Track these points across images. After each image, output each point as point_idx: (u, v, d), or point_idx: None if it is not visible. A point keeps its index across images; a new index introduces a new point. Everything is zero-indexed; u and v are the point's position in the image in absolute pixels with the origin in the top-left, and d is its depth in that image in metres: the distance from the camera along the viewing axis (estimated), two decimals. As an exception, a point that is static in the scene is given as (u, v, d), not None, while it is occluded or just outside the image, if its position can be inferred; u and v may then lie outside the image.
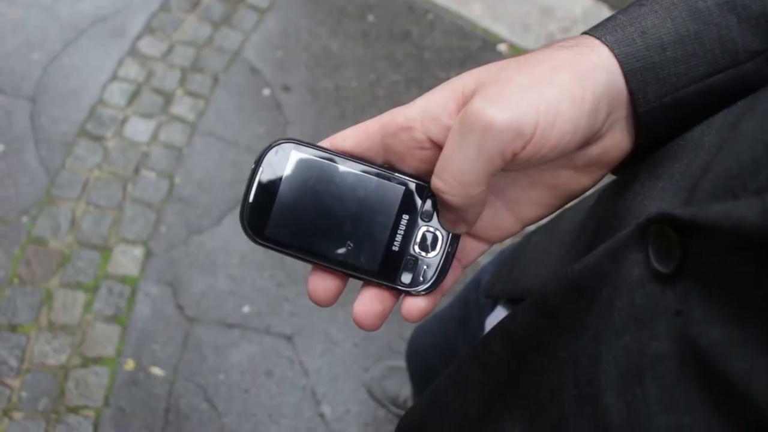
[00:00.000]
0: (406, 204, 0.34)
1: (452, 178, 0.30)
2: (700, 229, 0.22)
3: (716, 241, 0.22)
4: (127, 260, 1.64)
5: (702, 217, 0.22)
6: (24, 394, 1.45)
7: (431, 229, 0.35)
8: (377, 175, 0.34)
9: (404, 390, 1.48)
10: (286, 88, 1.95)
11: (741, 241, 0.20)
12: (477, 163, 0.29)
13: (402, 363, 1.52)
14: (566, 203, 0.36)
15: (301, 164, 0.34)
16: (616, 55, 0.31)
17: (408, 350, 1.03)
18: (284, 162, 0.34)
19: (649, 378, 0.23)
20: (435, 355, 0.86)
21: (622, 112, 0.32)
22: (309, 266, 0.35)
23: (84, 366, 1.50)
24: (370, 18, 2.12)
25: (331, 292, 0.35)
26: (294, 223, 0.34)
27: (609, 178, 0.40)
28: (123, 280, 1.61)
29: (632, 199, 0.31)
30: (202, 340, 1.57)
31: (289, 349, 1.58)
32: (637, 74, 0.31)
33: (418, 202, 0.34)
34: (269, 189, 0.34)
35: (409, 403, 1.44)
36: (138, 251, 1.66)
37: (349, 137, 0.34)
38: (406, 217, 0.35)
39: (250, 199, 0.34)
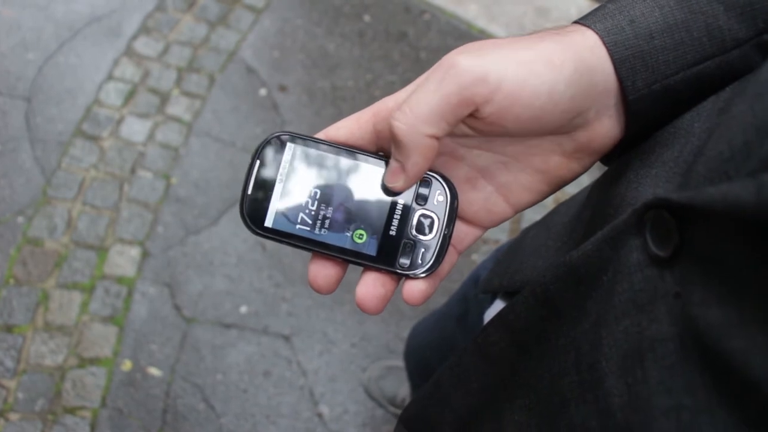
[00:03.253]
0: None
1: (408, 107, 0.30)
2: (696, 212, 0.22)
3: (712, 223, 0.22)
4: (123, 260, 1.64)
5: (698, 200, 0.22)
6: (20, 395, 1.45)
7: (427, 213, 0.35)
8: (371, 162, 0.35)
9: (402, 390, 1.48)
10: (283, 88, 1.95)
11: (737, 223, 0.20)
12: (434, 96, 0.29)
13: (400, 362, 1.52)
14: (557, 189, 0.36)
15: (298, 155, 0.35)
16: (605, 43, 0.31)
17: (406, 349, 1.03)
18: (281, 154, 0.35)
19: (650, 360, 0.24)
20: (433, 354, 0.86)
21: (610, 100, 0.32)
22: (306, 266, 0.36)
23: (81, 367, 1.50)
24: (367, 18, 2.12)
25: (332, 278, 0.35)
26: (292, 213, 0.35)
27: (602, 170, 0.40)
28: (120, 280, 1.61)
29: (626, 187, 0.31)
30: (200, 341, 1.57)
31: (287, 349, 1.58)
32: (626, 62, 0.31)
33: (413, 186, 0.35)
34: (267, 181, 0.35)
35: (407, 403, 1.44)
36: (135, 251, 1.65)
37: (342, 128, 0.34)
38: (401, 201, 0.35)
39: (249, 191, 0.35)
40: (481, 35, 2.09)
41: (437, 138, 0.31)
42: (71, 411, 1.45)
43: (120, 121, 1.83)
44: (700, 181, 0.24)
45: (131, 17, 2.02)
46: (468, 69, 0.29)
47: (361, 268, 0.36)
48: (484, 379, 0.36)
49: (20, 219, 1.65)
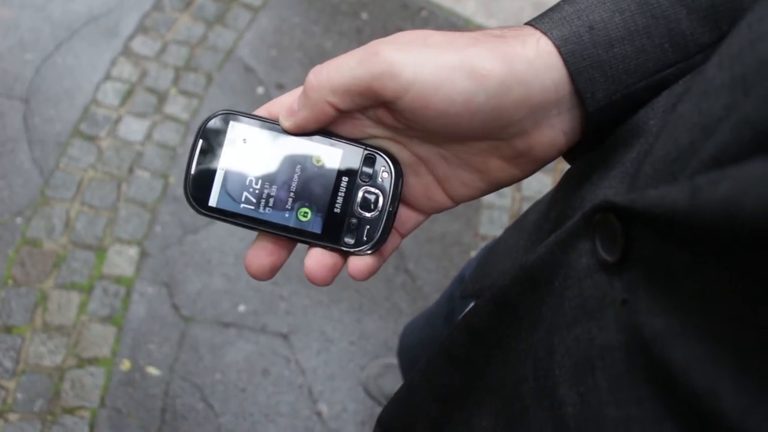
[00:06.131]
0: (346, 166, 0.35)
1: (327, 68, 0.31)
2: (639, 215, 0.22)
3: (655, 228, 0.21)
4: (122, 260, 1.64)
5: (639, 203, 0.21)
6: (19, 395, 1.45)
7: (372, 190, 0.35)
8: (315, 139, 0.35)
9: (400, 387, 1.48)
10: (281, 87, 1.95)
11: (676, 227, 0.20)
12: (349, 72, 0.30)
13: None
14: (496, 189, 0.35)
15: (241, 134, 0.35)
16: (561, 53, 0.30)
17: (399, 347, 1.03)
18: (224, 132, 0.35)
19: (599, 369, 0.23)
20: (424, 353, 0.86)
21: (552, 111, 0.31)
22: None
23: (79, 367, 1.50)
24: (364, 15, 2.11)
25: (267, 267, 0.35)
26: (236, 192, 0.35)
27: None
28: (118, 280, 1.61)
29: (587, 189, 0.30)
30: (198, 340, 1.57)
31: (286, 348, 1.58)
32: (584, 73, 0.30)
33: (357, 163, 0.35)
34: (210, 160, 0.35)
35: (385, 404, 1.44)
36: (133, 251, 1.65)
37: (285, 105, 0.34)
38: (345, 179, 0.35)
39: (192, 171, 0.35)
40: (480, 31, 2.08)
41: (337, 108, 0.31)
42: (70, 411, 1.45)
43: (118, 121, 1.83)
44: (647, 182, 0.24)
45: (128, 17, 2.02)
46: (384, 61, 0.29)
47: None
48: (453, 383, 0.36)
49: (18, 220, 1.66)
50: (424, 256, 1.72)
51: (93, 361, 1.51)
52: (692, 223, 0.18)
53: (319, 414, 1.51)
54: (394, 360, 1.54)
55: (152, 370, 1.52)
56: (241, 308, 1.61)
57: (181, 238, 1.68)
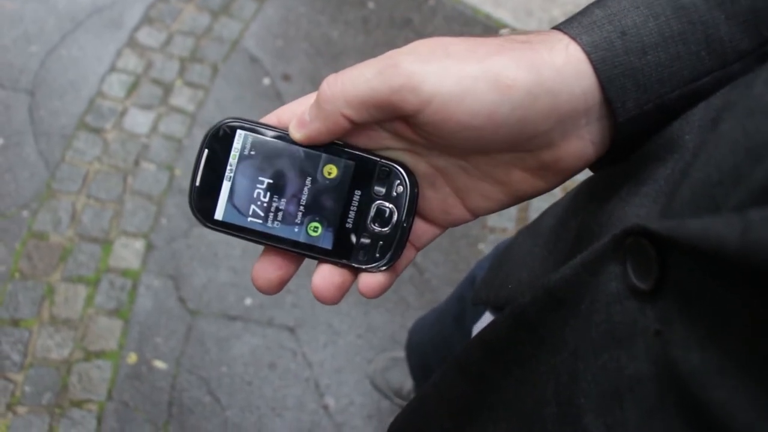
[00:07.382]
0: (359, 179, 0.33)
1: (342, 78, 0.29)
2: (678, 245, 0.20)
3: (695, 259, 0.20)
4: (128, 253, 1.63)
5: (680, 234, 0.20)
6: (27, 388, 1.45)
7: (386, 204, 0.33)
8: (327, 150, 0.33)
9: (408, 381, 1.48)
10: (287, 77, 1.93)
11: (721, 262, 0.18)
12: (366, 84, 0.28)
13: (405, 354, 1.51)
14: (518, 202, 0.34)
15: (249, 144, 0.33)
16: (591, 61, 0.28)
17: (408, 344, 1.02)
18: (230, 142, 0.33)
19: (628, 401, 0.22)
20: (433, 352, 0.85)
21: (580, 121, 0.29)
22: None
23: (87, 360, 1.50)
24: (371, 5, 2.09)
25: (276, 281, 0.33)
26: (243, 205, 0.34)
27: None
28: (124, 273, 1.61)
29: (615, 204, 0.29)
30: (205, 333, 1.56)
31: (292, 341, 1.57)
32: (615, 82, 0.28)
33: (371, 176, 0.33)
34: (216, 171, 0.34)
35: (413, 396, 1.43)
36: (139, 244, 1.65)
37: (296, 113, 0.33)
38: (358, 192, 0.34)
39: (197, 182, 0.34)
40: (487, 20, 2.06)
41: (352, 121, 0.30)
42: (78, 404, 1.45)
43: (123, 113, 1.82)
44: (684, 207, 0.22)
45: (133, 8, 2.00)
46: (404, 74, 0.28)
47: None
48: (467, 398, 0.35)
49: (25, 213, 1.65)
50: (432, 248, 1.70)
51: (100, 354, 1.51)
52: (741, 262, 0.17)
53: (325, 407, 1.51)
54: (401, 353, 1.53)
55: (159, 364, 1.52)
56: (248, 301, 1.61)
57: (187, 231, 1.67)
